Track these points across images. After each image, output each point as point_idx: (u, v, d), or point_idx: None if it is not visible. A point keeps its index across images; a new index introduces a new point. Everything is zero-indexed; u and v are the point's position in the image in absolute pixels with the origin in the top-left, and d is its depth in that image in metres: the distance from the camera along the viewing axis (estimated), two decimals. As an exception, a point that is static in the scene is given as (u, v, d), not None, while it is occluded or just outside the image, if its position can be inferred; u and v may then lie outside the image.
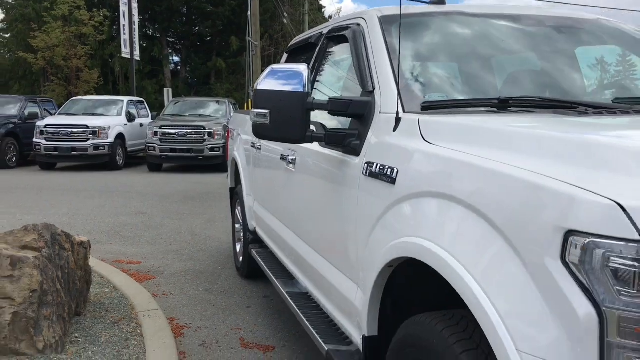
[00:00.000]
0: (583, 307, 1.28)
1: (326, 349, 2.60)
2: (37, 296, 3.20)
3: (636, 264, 1.23)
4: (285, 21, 32.03)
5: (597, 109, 2.21)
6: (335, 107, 2.53)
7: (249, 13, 22.05)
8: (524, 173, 1.51)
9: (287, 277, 3.70)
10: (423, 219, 1.88)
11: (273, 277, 3.80)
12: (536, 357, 1.36)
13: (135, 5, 21.58)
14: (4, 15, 35.98)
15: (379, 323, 2.28)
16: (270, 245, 4.15)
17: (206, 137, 14.46)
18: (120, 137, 15.63)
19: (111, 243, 6.76)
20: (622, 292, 1.25)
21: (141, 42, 41.13)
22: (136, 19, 21.86)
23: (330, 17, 58.09)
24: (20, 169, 15.54)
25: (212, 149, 14.41)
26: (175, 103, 17.48)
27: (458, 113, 2.24)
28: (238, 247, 5.47)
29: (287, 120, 2.50)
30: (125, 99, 17.37)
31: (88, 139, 14.92)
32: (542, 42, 2.82)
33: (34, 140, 15.07)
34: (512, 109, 2.26)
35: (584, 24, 2.99)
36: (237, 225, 5.54)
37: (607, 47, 3.02)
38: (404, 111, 2.28)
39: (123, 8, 20.64)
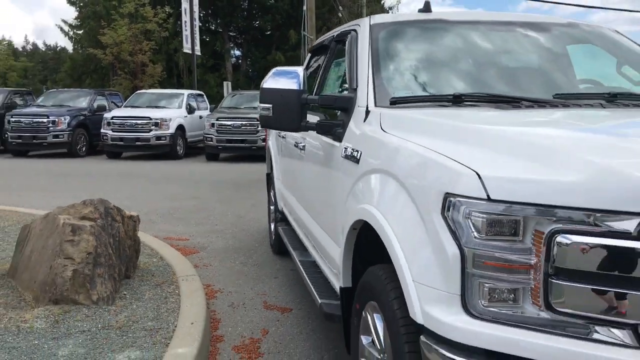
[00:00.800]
0: (451, 248, 1.79)
1: (319, 302, 3.17)
2: (92, 257, 3.90)
3: (485, 215, 1.72)
4: (340, 15, 32.41)
5: (533, 103, 2.66)
6: (324, 102, 3.08)
7: (304, 7, 22.69)
8: (428, 152, 2.02)
9: (303, 249, 4.27)
10: (370, 189, 2.40)
11: (291, 249, 4.38)
12: (423, 284, 1.88)
13: (196, 2, 22.59)
14: (77, 13, 37.97)
15: (355, 280, 2.81)
16: (291, 221, 4.73)
17: (259, 128, 15.18)
18: (180, 128, 16.59)
19: (164, 223, 7.52)
20: (476, 236, 1.74)
21: (204, 37, 42.47)
22: (197, 15, 22.87)
23: (390, 8, 57.87)
24: (90, 158, 16.76)
25: (264, 140, 15.10)
26: (232, 96, 18.33)
27: (418, 107, 2.74)
28: (272, 227, 6.08)
29: (286, 113, 3.06)
30: (186, 92, 18.35)
31: (151, 130, 15.94)
32: (509, 44, 3.26)
33: (102, 130, 16.22)
34: (466, 103, 2.73)
35: (551, 27, 3.41)
36: (272, 207, 6.15)
37: (572, 47, 3.43)
38: (375, 105, 2.80)
39: (184, 5, 21.68)
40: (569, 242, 1.61)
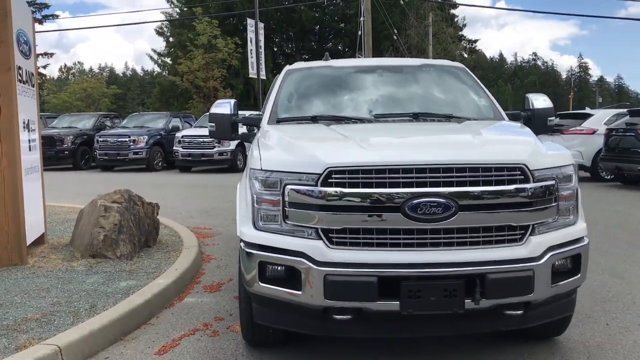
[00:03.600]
0: (249, 195, 3.48)
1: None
2: (117, 228, 5.81)
3: (261, 177, 3.39)
4: (395, 37, 33.92)
5: (355, 120, 4.29)
6: (245, 121, 4.84)
7: (359, 32, 24.53)
8: (255, 148, 3.71)
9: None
10: (245, 172, 4.12)
11: None
12: (241, 215, 3.57)
13: (261, 31, 24.95)
14: (165, 43, 41.60)
15: None
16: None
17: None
18: (241, 144, 18.73)
19: (199, 218, 9.46)
20: (258, 188, 3.42)
21: (280, 60, 45.24)
22: (262, 43, 25.21)
23: (462, 27, 58.39)
24: (164, 172, 19.25)
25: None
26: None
27: (287, 124, 4.43)
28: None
29: (223, 128, 4.82)
30: (247, 112, 20.54)
31: (214, 147, 18.19)
32: (367, 81, 4.89)
33: (174, 148, 18.66)
34: (319, 121, 4.39)
35: (407, 68, 5.01)
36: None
37: (424, 79, 4.99)
38: (267, 123, 4.52)
39: (250, 35, 24.08)
40: (290, 189, 3.26)
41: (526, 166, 3.19)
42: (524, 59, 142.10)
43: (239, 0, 37.28)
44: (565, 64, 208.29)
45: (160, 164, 19.76)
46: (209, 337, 4.18)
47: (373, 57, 27.40)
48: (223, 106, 4.83)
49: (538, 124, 4.69)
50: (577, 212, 3.48)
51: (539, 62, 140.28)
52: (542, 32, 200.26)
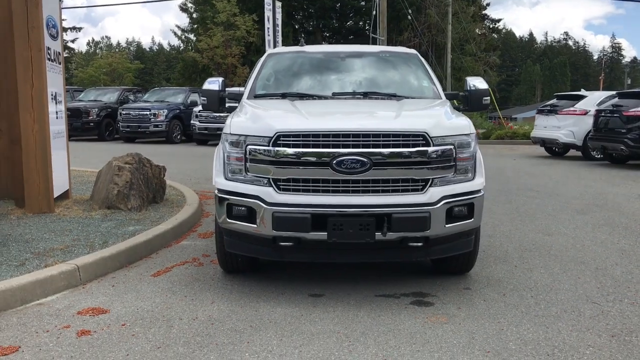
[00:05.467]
0: (222, 154, 4.52)
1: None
2: (128, 184, 6.93)
3: (230, 139, 4.44)
4: (409, 17, 34.43)
5: (316, 97, 5.29)
6: (230, 96, 5.87)
7: (373, 12, 25.25)
8: (230, 117, 4.75)
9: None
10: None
11: None
12: (215, 169, 4.62)
13: (279, 10, 25.83)
14: (188, 19, 42.55)
15: None
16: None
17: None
18: (254, 119, 19.80)
19: (206, 184, 10.54)
20: (228, 148, 4.46)
21: (302, 37, 45.92)
22: (279, 21, 26.09)
23: (486, 5, 58.31)
24: (183, 144, 20.43)
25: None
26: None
27: (262, 99, 5.44)
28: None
29: (212, 102, 5.85)
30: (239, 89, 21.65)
31: (229, 121, 19.27)
32: (334, 64, 5.88)
33: (191, 122, 19.81)
34: (287, 97, 5.38)
35: (367, 54, 5.98)
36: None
37: (381, 63, 5.95)
38: (247, 98, 5.54)
39: (267, 13, 24.97)
40: (250, 148, 4.29)
41: (427, 134, 4.17)
42: (554, 39, 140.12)
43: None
44: (599, 44, 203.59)
45: (179, 136, 20.95)
46: (195, 267, 5.28)
47: (388, 36, 28.16)
48: (213, 83, 5.86)
49: (474, 103, 5.64)
50: (474, 170, 4.45)
51: (570, 42, 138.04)
52: (577, 10, 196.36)
